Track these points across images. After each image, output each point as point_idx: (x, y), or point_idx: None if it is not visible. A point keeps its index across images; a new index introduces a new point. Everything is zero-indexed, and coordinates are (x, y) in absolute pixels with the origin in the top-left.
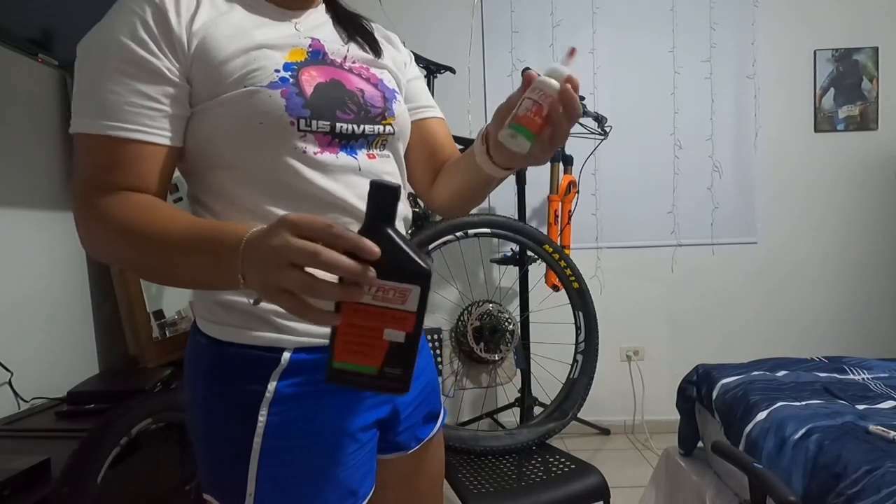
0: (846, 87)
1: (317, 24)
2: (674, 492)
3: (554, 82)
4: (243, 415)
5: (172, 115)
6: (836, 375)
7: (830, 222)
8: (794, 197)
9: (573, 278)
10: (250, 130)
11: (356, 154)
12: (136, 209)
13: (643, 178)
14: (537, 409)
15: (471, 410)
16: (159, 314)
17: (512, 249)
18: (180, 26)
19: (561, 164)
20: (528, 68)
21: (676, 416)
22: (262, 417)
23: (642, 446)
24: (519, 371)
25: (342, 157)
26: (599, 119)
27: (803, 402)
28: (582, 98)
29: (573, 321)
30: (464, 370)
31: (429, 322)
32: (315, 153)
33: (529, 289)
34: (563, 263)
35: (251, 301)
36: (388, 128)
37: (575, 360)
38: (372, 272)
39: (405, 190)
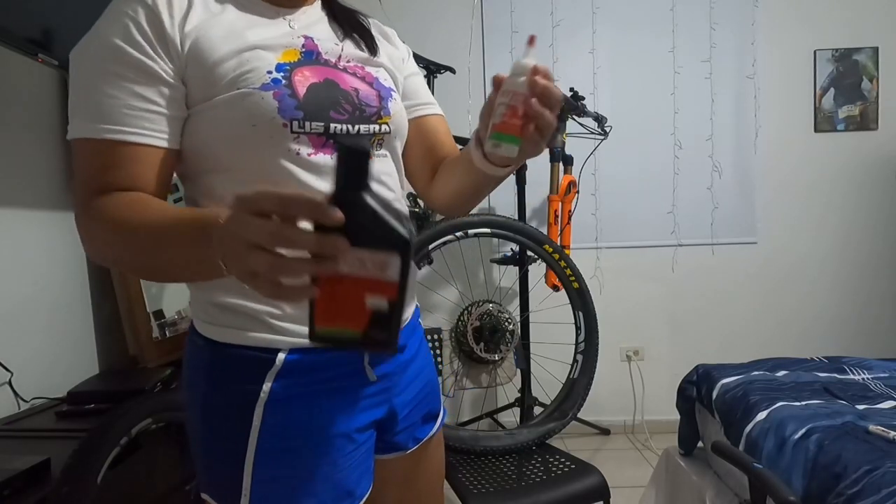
0: (846, 87)
1: (311, 22)
2: (674, 492)
3: (521, 79)
4: (239, 415)
5: (170, 116)
6: (836, 375)
7: (830, 222)
8: (794, 197)
9: (573, 278)
10: (244, 133)
11: None
12: (128, 206)
13: (643, 178)
14: (537, 409)
15: (471, 410)
16: (159, 314)
17: (512, 249)
18: (173, 27)
19: (561, 164)
20: (497, 74)
21: (676, 416)
22: (257, 418)
23: (642, 446)
24: (519, 371)
25: None
26: (599, 119)
27: (803, 402)
28: (582, 98)
29: (573, 321)
30: (464, 370)
31: (429, 322)
32: (309, 154)
33: (529, 289)
34: (563, 263)
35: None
36: (384, 127)
37: (575, 360)
38: (343, 242)
39: (404, 189)
